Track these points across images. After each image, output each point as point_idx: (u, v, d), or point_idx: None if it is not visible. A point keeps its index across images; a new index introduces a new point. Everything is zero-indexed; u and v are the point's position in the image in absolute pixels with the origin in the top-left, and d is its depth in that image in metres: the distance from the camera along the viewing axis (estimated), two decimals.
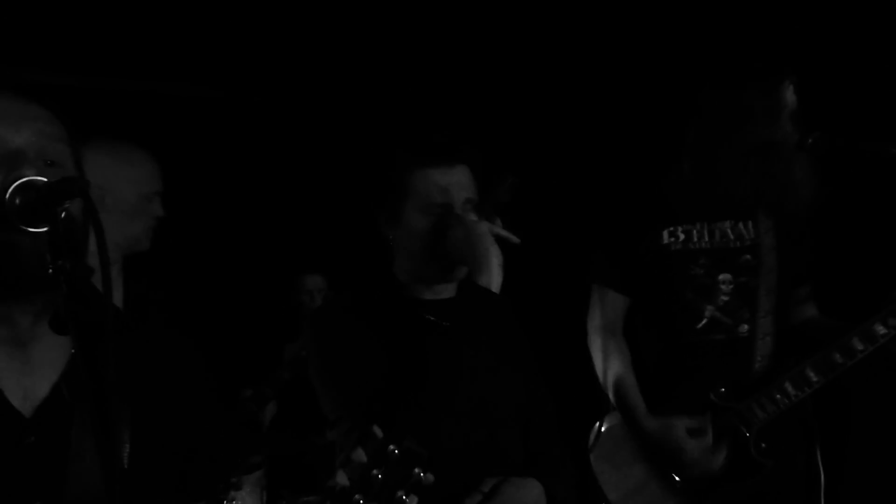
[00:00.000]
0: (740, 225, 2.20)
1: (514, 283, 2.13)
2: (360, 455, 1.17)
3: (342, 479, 1.18)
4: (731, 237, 2.18)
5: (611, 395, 2.17)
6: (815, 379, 2.05)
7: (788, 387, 2.07)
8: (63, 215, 1.07)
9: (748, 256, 2.18)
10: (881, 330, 2.02)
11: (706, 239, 2.16)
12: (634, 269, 2.20)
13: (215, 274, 3.96)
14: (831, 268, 2.54)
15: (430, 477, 1.17)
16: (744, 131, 2.06)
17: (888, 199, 2.64)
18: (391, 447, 1.15)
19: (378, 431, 1.18)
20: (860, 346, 2.02)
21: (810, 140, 2.01)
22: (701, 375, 2.12)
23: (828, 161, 2.15)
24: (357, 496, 1.14)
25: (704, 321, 2.15)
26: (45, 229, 1.07)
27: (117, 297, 2.31)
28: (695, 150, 2.17)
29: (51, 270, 1.06)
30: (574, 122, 3.83)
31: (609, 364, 2.20)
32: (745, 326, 2.16)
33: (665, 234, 2.17)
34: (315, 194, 4.20)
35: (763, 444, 2.08)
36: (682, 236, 2.16)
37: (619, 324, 2.24)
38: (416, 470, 1.16)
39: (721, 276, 2.15)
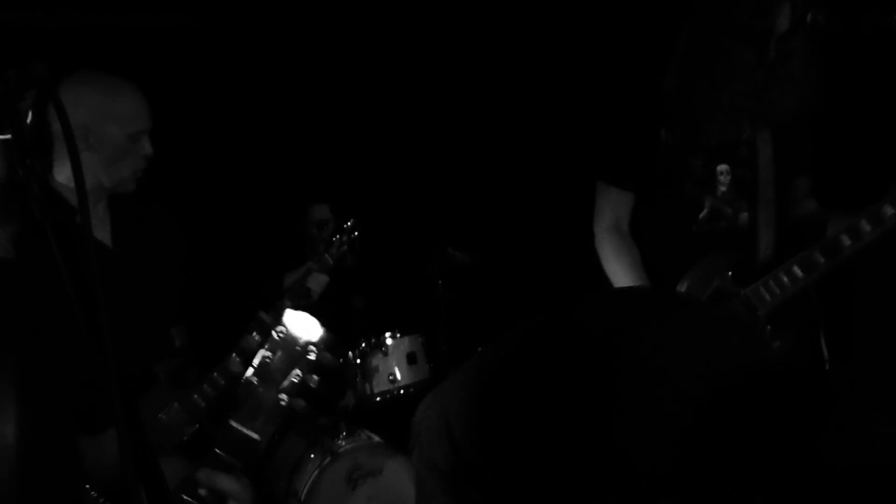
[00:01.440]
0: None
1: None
2: (251, 340, 1.17)
3: (235, 365, 1.19)
4: (728, 131, 2.17)
5: None
6: (822, 261, 2.03)
7: (796, 270, 2.06)
8: (28, 113, 1.03)
9: (744, 149, 2.18)
10: (889, 211, 1.99)
11: (703, 135, 2.16)
12: (636, 166, 2.20)
13: (219, 206, 3.95)
14: (833, 159, 2.50)
15: (327, 355, 1.17)
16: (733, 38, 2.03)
17: (891, 82, 2.58)
18: (279, 328, 1.14)
19: (267, 317, 1.18)
20: (868, 228, 1.99)
21: (808, 18, 1.95)
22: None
23: (828, 45, 2.10)
24: (255, 380, 1.14)
25: (705, 211, 2.16)
26: (8, 136, 1.04)
27: (104, 236, 2.27)
28: (685, 61, 2.16)
29: (20, 172, 1.03)
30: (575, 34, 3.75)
31: (621, 262, 2.20)
32: (745, 215, 2.17)
33: (663, 130, 2.17)
34: (320, 124, 4.16)
35: (769, 327, 2.08)
36: (679, 132, 2.16)
37: (626, 221, 2.25)
38: (310, 349, 1.15)
39: (719, 168, 2.16)
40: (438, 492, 1.82)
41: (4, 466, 1.10)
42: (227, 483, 1.10)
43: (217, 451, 1.13)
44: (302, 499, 2.96)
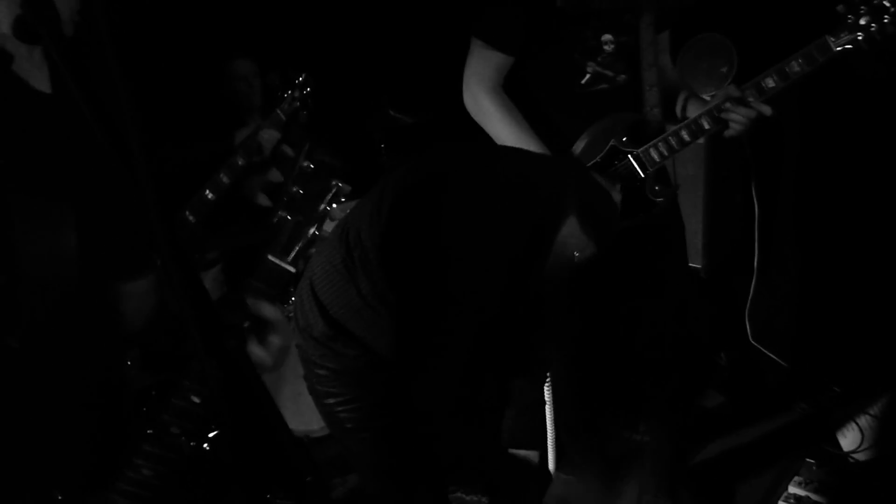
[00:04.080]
0: None
1: None
2: (276, 175, 1.21)
3: (263, 200, 1.24)
4: None
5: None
6: (707, 127, 2.18)
7: (684, 134, 2.20)
8: None
9: (629, 15, 2.28)
10: (796, 68, 2.11)
11: (596, 2, 2.24)
12: (522, 31, 2.24)
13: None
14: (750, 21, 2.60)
15: (347, 187, 1.21)
16: None
17: None
18: (305, 163, 1.18)
19: (289, 150, 1.21)
20: (771, 84, 2.13)
21: None
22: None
23: None
24: (282, 213, 1.19)
25: (588, 76, 2.26)
26: None
27: (43, 84, 2.19)
28: None
29: None
30: None
31: (509, 121, 2.26)
32: (623, 76, 2.28)
33: None
34: None
35: (657, 187, 2.24)
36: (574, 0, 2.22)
37: (501, 82, 2.30)
38: (333, 182, 1.20)
39: (604, 37, 2.26)
40: (316, 355, 1.94)
41: (69, 273, 1.12)
42: (270, 311, 1.17)
43: (254, 281, 1.18)
44: None
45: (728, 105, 2.11)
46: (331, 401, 1.80)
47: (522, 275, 1.78)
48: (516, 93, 2.29)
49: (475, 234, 1.66)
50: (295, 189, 1.18)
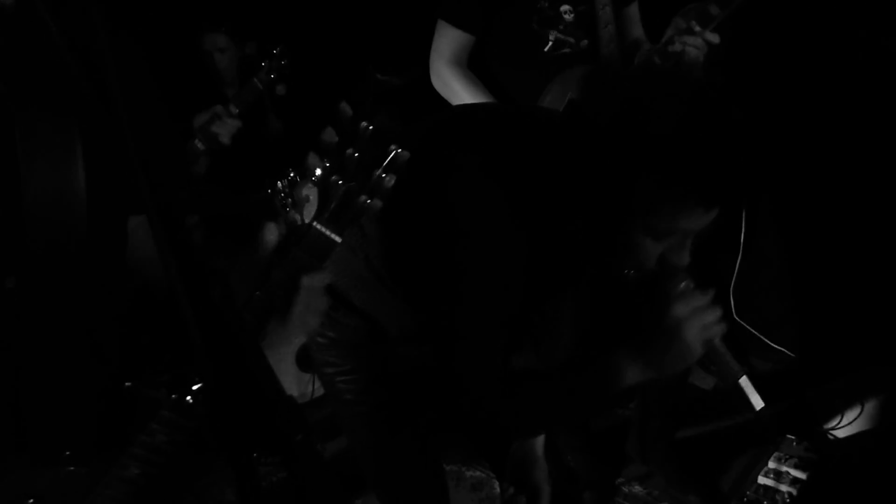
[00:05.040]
0: None
1: None
2: (331, 134, 1.12)
3: (314, 161, 1.14)
4: None
5: None
6: (659, 62, 2.19)
7: None
8: None
9: None
10: None
11: None
12: (481, 8, 2.30)
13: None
14: None
15: (406, 154, 1.11)
16: None
17: None
18: (363, 124, 1.08)
19: (347, 109, 1.12)
20: (715, 11, 2.16)
21: None
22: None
23: None
24: (334, 177, 1.09)
25: (550, 44, 2.31)
26: None
27: None
28: None
29: None
30: None
31: (475, 94, 2.31)
32: (586, 41, 2.33)
33: None
34: None
35: None
36: None
37: (465, 60, 2.36)
38: (392, 147, 1.10)
39: (562, 7, 2.30)
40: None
41: (77, 211, 1.07)
42: (307, 279, 1.11)
43: (297, 250, 1.11)
44: None
45: (676, 38, 2.14)
46: (329, 370, 1.77)
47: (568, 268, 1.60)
48: (482, 70, 2.36)
49: (497, 209, 1.43)
50: (350, 152, 1.08)
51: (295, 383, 3.04)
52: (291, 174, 1.23)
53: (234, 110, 2.70)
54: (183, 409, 1.06)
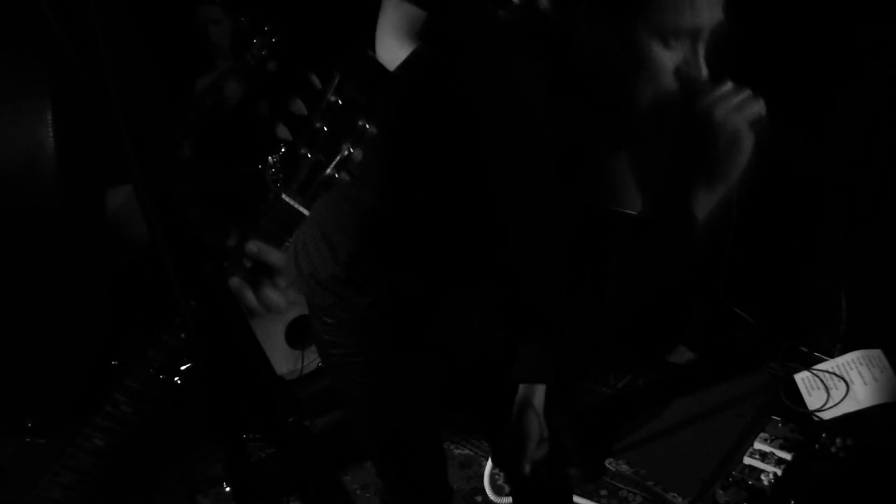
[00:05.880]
0: None
1: None
2: (300, 107, 1.11)
3: (283, 132, 1.13)
4: None
5: None
6: None
7: None
8: None
9: None
10: None
11: None
12: None
13: None
14: None
15: (374, 129, 1.10)
16: None
17: None
18: (332, 97, 1.07)
19: (317, 81, 1.11)
20: None
21: None
22: None
23: None
24: (302, 149, 1.08)
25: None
26: None
27: None
28: None
29: None
30: None
31: None
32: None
33: None
34: None
35: None
36: None
37: (416, 31, 2.25)
38: (360, 121, 1.09)
39: None
40: (325, 303, 1.75)
41: (47, 170, 1.05)
42: (276, 257, 1.09)
43: (264, 222, 1.10)
44: None
45: None
46: (337, 351, 1.73)
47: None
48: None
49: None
50: (319, 125, 1.07)
51: (284, 360, 3.04)
52: (283, 149, 1.21)
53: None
54: (148, 378, 1.05)
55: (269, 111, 3.50)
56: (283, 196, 1.08)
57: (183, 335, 1.02)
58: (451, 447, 2.80)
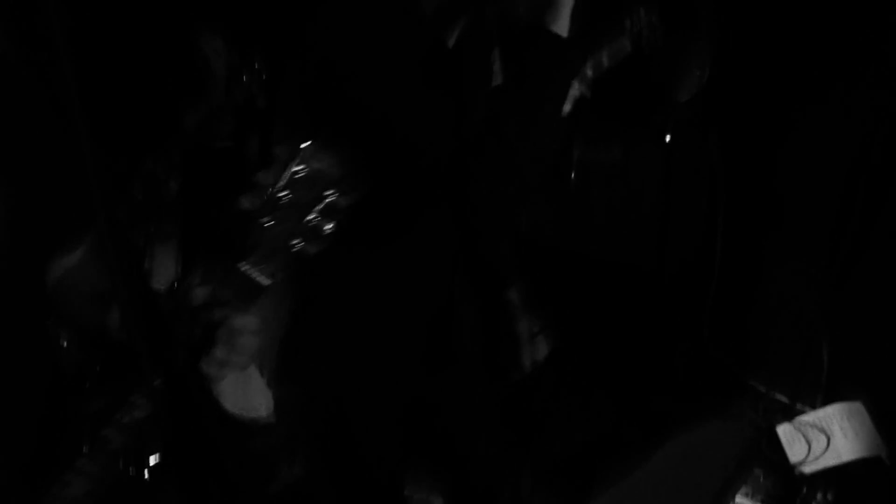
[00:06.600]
0: None
1: None
2: (266, 177, 1.11)
3: (247, 202, 1.13)
4: None
5: None
6: None
7: None
8: None
9: None
10: None
11: None
12: None
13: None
14: None
15: (344, 201, 1.10)
16: None
17: None
18: (296, 168, 1.08)
19: (279, 152, 1.11)
20: None
21: None
22: None
23: None
24: (264, 219, 1.09)
25: None
26: None
27: None
28: None
29: None
30: None
31: None
32: None
33: None
34: None
35: None
36: None
37: None
38: (327, 193, 1.09)
39: None
40: None
41: None
42: (241, 321, 1.08)
43: (221, 290, 1.08)
44: None
45: None
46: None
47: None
48: None
49: None
50: (282, 195, 1.07)
51: (264, 401, 3.00)
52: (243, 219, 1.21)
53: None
54: (104, 461, 1.03)
55: (257, 148, 3.49)
56: (241, 266, 1.10)
57: (141, 414, 1.01)
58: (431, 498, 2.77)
